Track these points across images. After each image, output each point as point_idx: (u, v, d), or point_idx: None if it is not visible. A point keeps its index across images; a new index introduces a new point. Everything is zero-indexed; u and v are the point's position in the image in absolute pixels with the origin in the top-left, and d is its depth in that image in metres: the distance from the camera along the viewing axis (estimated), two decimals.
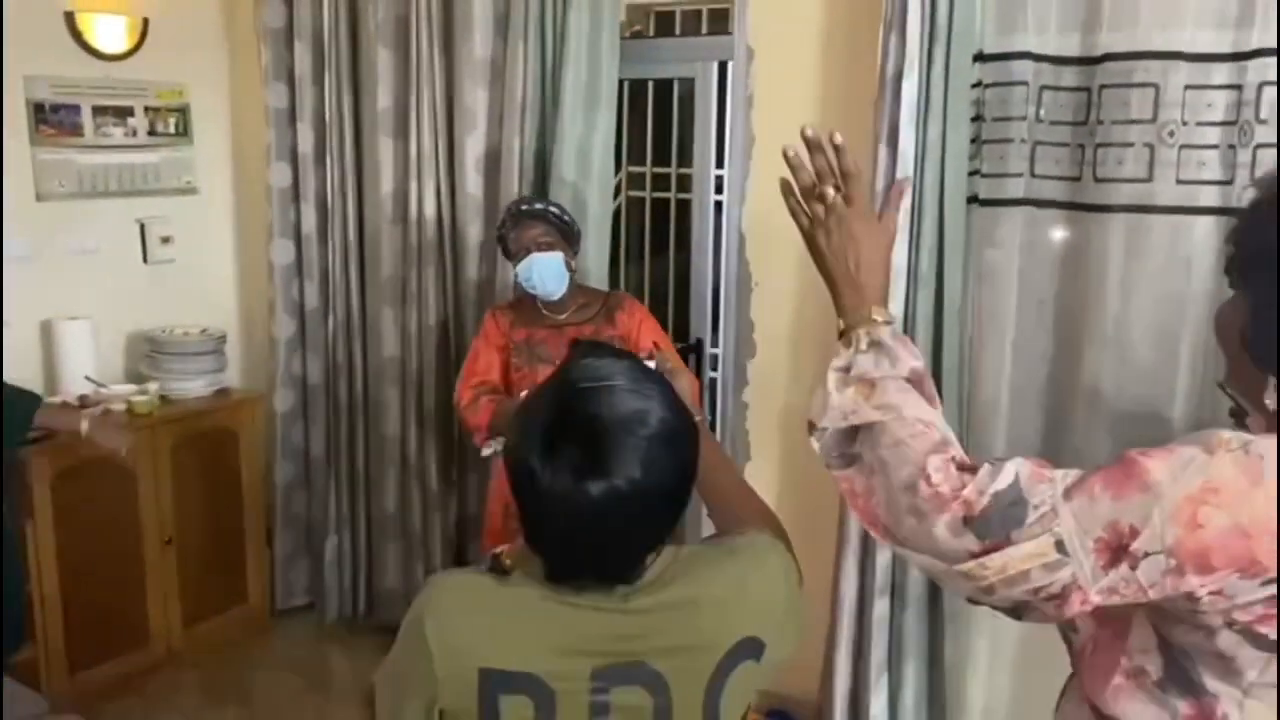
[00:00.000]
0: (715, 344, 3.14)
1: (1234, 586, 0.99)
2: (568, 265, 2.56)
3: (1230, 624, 1.01)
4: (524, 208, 2.58)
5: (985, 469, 1.06)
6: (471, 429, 2.58)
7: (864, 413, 1.15)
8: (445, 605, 1.15)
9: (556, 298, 2.56)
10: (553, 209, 2.58)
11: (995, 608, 1.09)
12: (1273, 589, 0.98)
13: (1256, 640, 1.01)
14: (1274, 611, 0.98)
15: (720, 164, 2.95)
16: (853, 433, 1.18)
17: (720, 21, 3.86)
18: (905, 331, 2.45)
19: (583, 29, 2.82)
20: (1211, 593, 0.99)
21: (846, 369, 1.19)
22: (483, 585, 1.16)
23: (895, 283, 2.44)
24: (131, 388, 3.27)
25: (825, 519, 2.70)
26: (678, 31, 3.91)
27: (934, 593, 2.58)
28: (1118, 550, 1.00)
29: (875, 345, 1.18)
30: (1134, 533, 0.99)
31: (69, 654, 2.99)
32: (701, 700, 1.15)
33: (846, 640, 2.65)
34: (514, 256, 2.57)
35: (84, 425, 2.64)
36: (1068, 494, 1.03)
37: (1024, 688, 2.64)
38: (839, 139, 1.18)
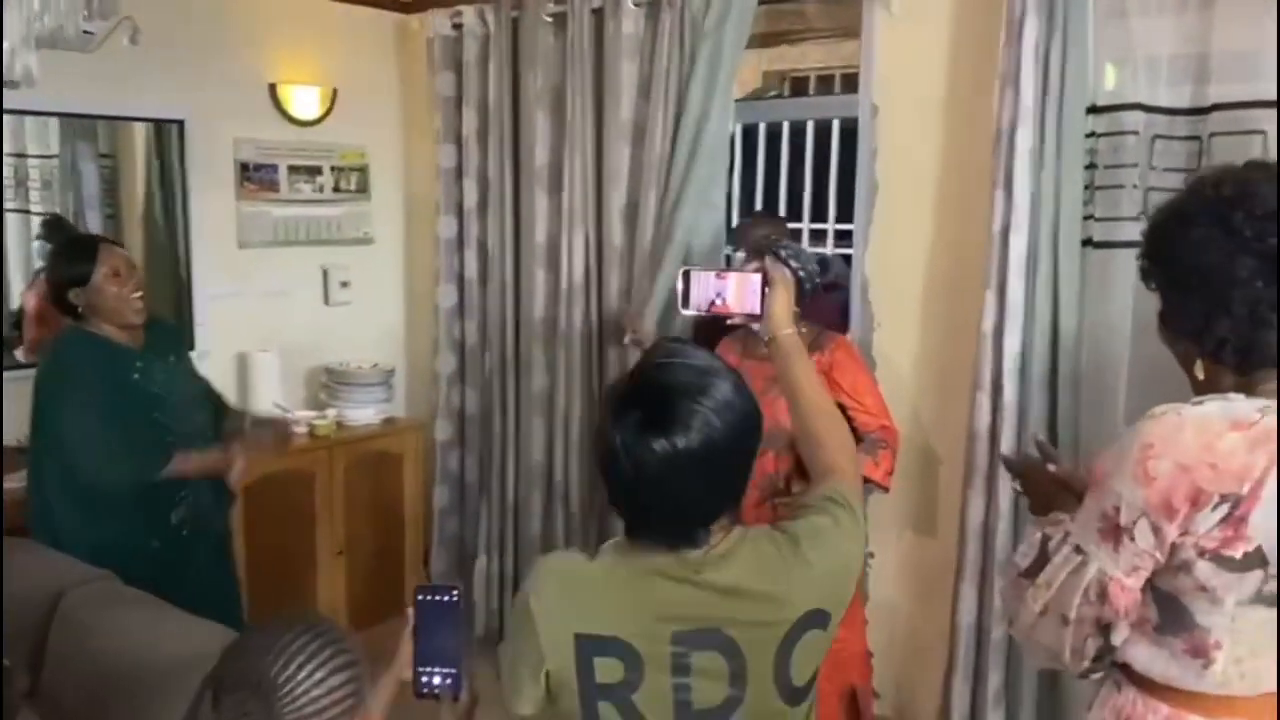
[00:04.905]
0: None
1: (1194, 521, 1.20)
2: None
3: (1202, 553, 1.21)
4: (766, 244, 2.62)
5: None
6: None
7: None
8: (545, 580, 1.34)
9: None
10: (781, 250, 2.57)
11: (1091, 666, 1.32)
12: (1221, 511, 1.18)
13: (1225, 563, 1.21)
14: (1231, 533, 1.19)
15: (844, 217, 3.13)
16: None
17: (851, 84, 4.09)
18: (1023, 367, 2.59)
19: (697, 93, 3.09)
20: (1181, 534, 1.21)
21: None
22: (577, 563, 1.34)
23: (1012, 320, 2.59)
24: (313, 413, 3.66)
25: (944, 553, 2.83)
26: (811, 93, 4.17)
27: None
28: (1115, 531, 1.25)
29: None
30: (1116, 511, 1.24)
31: None
32: (772, 663, 1.29)
33: (964, 666, 2.75)
34: None
35: (236, 473, 2.80)
36: (1071, 519, 1.33)
37: None
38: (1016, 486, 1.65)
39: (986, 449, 2.67)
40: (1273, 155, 2.30)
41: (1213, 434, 1.19)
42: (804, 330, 2.72)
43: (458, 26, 3.70)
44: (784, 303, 1.57)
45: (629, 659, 1.27)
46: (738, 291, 1.59)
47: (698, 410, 1.22)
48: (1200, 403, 1.23)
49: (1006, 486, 2.62)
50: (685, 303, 1.66)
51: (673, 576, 1.27)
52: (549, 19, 3.45)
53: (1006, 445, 2.61)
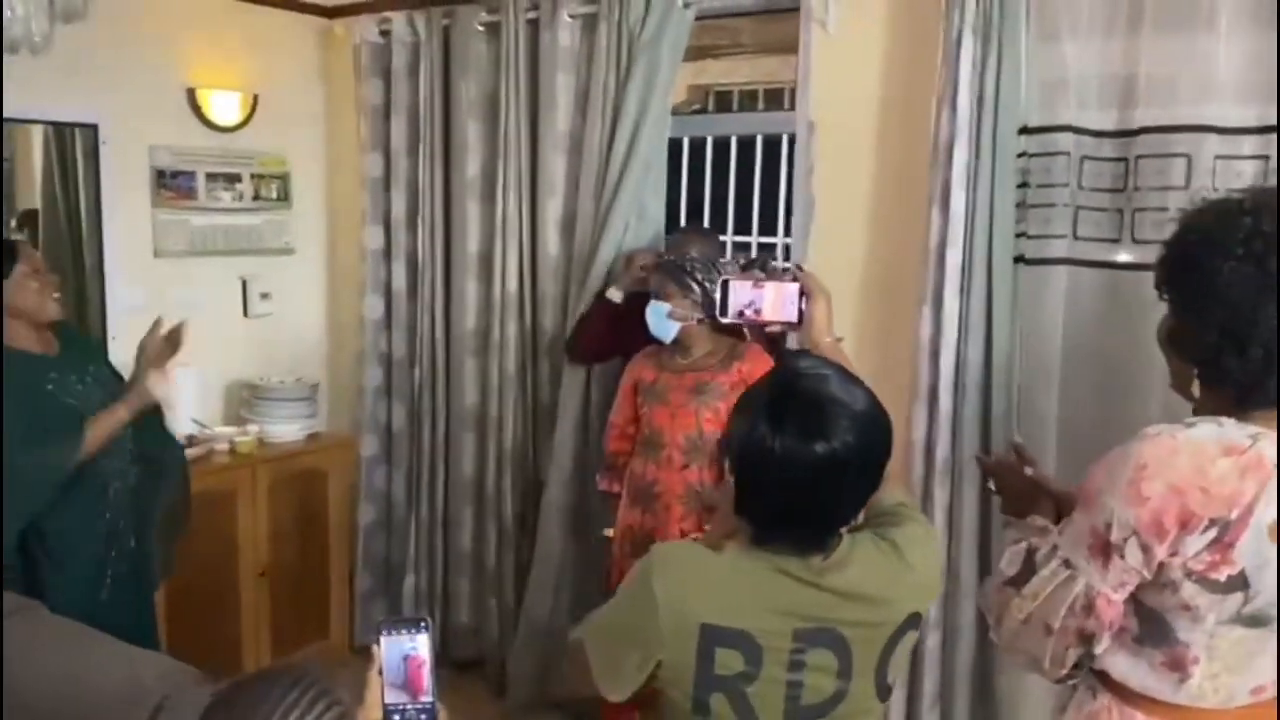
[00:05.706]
0: None
1: (1183, 543, 1.22)
2: (675, 315, 2.71)
3: (1189, 574, 1.24)
4: (663, 259, 2.84)
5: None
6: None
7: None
8: (671, 569, 1.36)
9: (666, 341, 2.76)
10: (683, 264, 2.74)
11: (1069, 673, 1.34)
12: (1210, 535, 1.21)
13: (1211, 586, 1.24)
14: (1218, 557, 1.22)
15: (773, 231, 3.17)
16: None
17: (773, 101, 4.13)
18: (957, 379, 2.65)
19: (632, 105, 3.11)
20: (1170, 555, 1.23)
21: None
22: (703, 554, 1.38)
23: (947, 334, 2.65)
24: (234, 429, 3.54)
25: None
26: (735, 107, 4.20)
27: (984, 628, 2.71)
28: (1105, 548, 1.26)
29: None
30: (1107, 528, 1.26)
31: None
32: (875, 662, 1.37)
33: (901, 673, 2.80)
34: None
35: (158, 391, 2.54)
36: (1060, 531, 1.34)
37: None
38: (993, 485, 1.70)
39: (923, 459, 2.72)
40: (1196, 179, 2.40)
41: (1205, 458, 1.21)
42: (712, 348, 2.77)
43: (385, 34, 3.63)
44: (824, 311, 1.66)
45: (750, 652, 1.32)
46: (774, 300, 1.65)
47: (850, 417, 1.29)
48: (1193, 424, 1.25)
49: (944, 497, 2.68)
50: (724, 311, 1.71)
51: (798, 578, 1.33)
52: (481, 28, 3.41)
53: (942, 455, 2.67)
